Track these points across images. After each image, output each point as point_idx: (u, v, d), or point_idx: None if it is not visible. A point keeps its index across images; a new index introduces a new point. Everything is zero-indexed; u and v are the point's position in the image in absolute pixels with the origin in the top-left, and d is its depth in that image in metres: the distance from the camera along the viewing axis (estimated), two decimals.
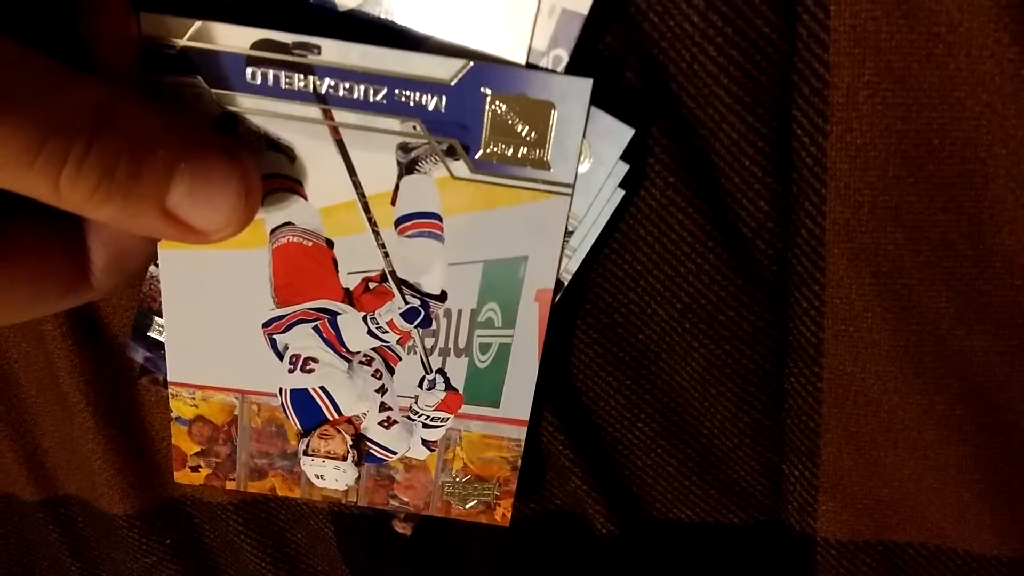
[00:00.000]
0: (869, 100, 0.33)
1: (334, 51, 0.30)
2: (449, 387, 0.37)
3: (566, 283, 0.37)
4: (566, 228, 0.35)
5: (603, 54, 0.34)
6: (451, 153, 0.32)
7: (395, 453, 0.39)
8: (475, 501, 0.40)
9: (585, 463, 0.42)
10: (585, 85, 0.30)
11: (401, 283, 0.35)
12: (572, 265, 0.37)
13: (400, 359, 0.37)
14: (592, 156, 0.34)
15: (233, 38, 0.30)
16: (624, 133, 0.34)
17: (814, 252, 0.36)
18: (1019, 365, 0.37)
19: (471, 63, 0.30)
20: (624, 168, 0.34)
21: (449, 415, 0.38)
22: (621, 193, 0.35)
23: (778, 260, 0.37)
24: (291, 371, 0.37)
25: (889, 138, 0.34)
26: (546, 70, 0.31)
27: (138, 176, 0.25)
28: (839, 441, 0.40)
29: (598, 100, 0.33)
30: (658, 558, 0.45)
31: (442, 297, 0.35)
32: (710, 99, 0.34)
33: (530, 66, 0.32)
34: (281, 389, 0.38)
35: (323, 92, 0.31)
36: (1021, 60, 0.31)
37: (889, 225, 0.35)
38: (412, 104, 0.31)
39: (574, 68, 0.32)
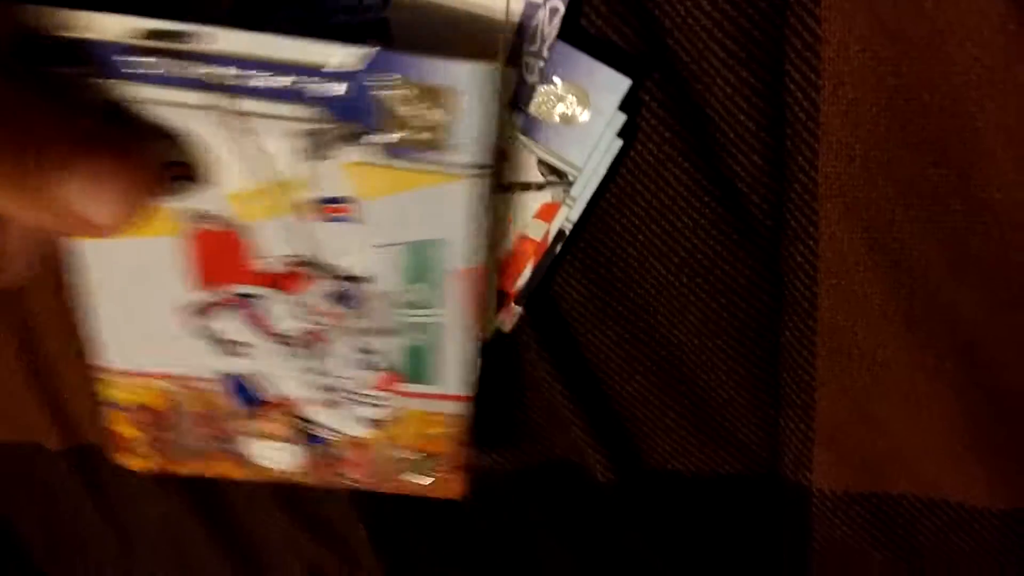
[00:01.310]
0: (860, 55, 0.34)
1: (231, 40, 0.30)
2: (387, 366, 0.38)
3: (567, 232, 0.38)
4: (564, 175, 0.36)
5: (600, 8, 0.35)
6: (357, 138, 0.32)
7: (339, 433, 0.40)
8: (425, 477, 0.41)
9: (585, 414, 0.44)
10: (491, 72, 0.30)
11: (324, 266, 0.35)
12: (573, 215, 0.38)
13: (334, 341, 0.38)
14: (591, 107, 0.35)
15: (123, 28, 0.29)
16: (621, 84, 0.35)
17: (807, 206, 0.37)
18: (1008, 319, 0.38)
19: (377, 49, 0.30)
20: (622, 118, 0.36)
21: (390, 394, 0.39)
22: (619, 143, 0.36)
23: (773, 215, 0.38)
24: (225, 355, 0.38)
25: (880, 92, 0.34)
26: (452, 58, 0.31)
27: (29, 171, 0.25)
28: (833, 394, 0.41)
29: (596, 53, 0.34)
30: (656, 508, 0.46)
31: (367, 279, 0.36)
32: (704, 54, 0.35)
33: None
34: (217, 373, 0.38)
35: (223, 80, 0.30)
36: (1009, 13, 0.32)
37: (880, 180, 0.36)
38: (318, 91, 0.31)
39: (570, 21, 0.33)
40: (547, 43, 0.35)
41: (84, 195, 0.26)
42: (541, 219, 0.38)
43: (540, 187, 0.38)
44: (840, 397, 0.41)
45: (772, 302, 0.40)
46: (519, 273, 0.40)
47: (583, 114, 0.36)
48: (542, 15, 0.33)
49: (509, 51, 0.34)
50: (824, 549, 0.46)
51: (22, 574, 0.61)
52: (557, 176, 0.37)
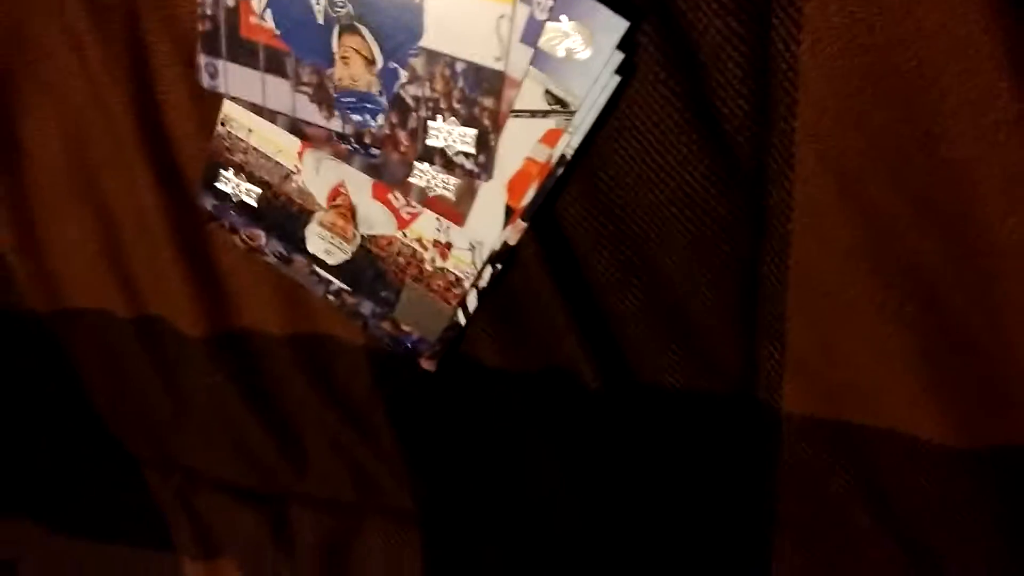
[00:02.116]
0: (839, 13, 0.37)
1: None
2: None
3: (568, 158, 0.43)
4: (567, 105, 0.40)
5: None
6: None
7: None
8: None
9: (580, 326, 0.49)
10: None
11: None
12: (574, 141, 0.43)
13: None
14: (592, 44, 0.40)
15: None
16: (619, 25, 0.39)
17: (786, 151, 0.41)
18: (965, 271, 0.41)
19: None
20: (620, 56, 0.40)
21: None
22: (617, 79, 0.41)
23: (755, 156, 0.42)
24: None
25: (855, 51, 0.38)
26: None
27: None
28: (803, 326, 0.45)
29: None
30: (640, 418, 0.51)
31: None
32: (699, 3, 0.39)
33: None
34: None
35: None
36: None
37: (852, 131, 0.39)
38: None
39: None
40: None
41: None
42: (545, 143, 0.43)
43: (545, 114, 0.42)
44: (809, 330, 0.45)
45: (751, 237, 0.44)
46: (525, 191, 0.44)
47: (585, 51, 0.40)
48: None
49: None
50: (790, 467, 0.50)
51: (92, 433, 0.69)
52: (561, 105, 0.42)
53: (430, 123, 0.44)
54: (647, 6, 0.40)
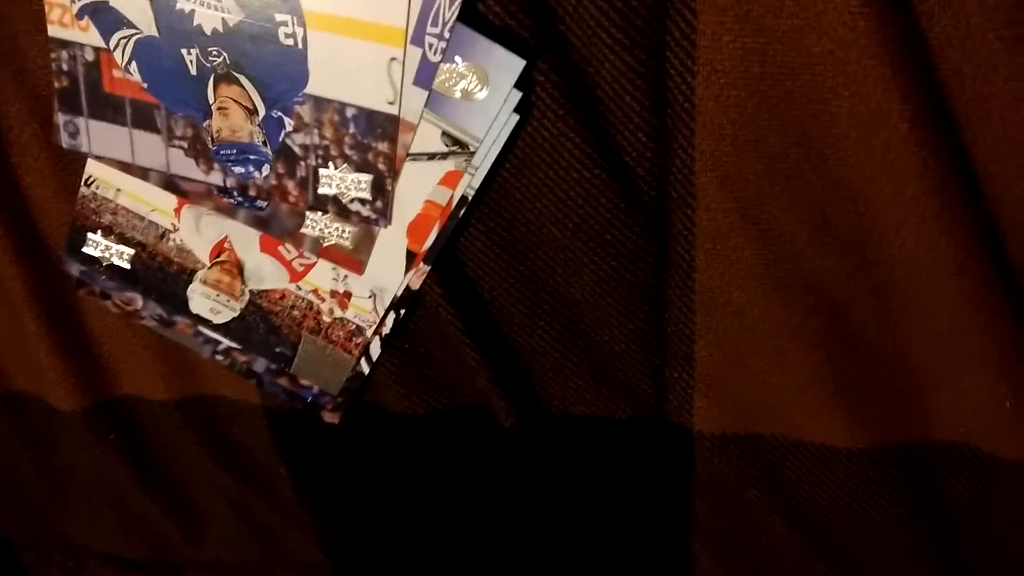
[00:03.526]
0: (731, 44, 0.37)
1: None
2: None
3: (470, 198, 0.42)
4: (466, 146, 0.39)
5: None
6: None
7: None
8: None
9: (490, 364, 0.47)
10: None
11: None
12: (475, 182, 0.42)
13: None
14: (489, 84, 0.39)
15: None
16: (516, 64, 0.38)
17: (686, 179, 0.41)
18: (862, 281, 0.43)
19: None
20: (517, 95, 0.39)
21: None
22: (516, 118, 0.40)
23: (656, 186, 0.42)
24: None
25: (748, 79, 0.38)
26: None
27: None
28: (710, 346, 0.46)
29: (494, 35, 0.37)
30: (555, 450, 0.51)
31: None
32: (593, 39, 0.38)
33: None
34: None
35: None
36: (860, 12, 0.36)
37: (749, 156, 0.40)
38: None
39: (469, 6, 0.37)
40: (448, 25, 0.37)
41: None
42: (445, 185, 0.42)
43: (444, 156, 0.41)
44: (716, 349, 0.46)
45: (657, 264, 0.44)
46: (426, 235, 0.43)
47: (482, 91, 0.39)
48: (441, 4, 0.36)
49: (412, 33, 0.37)
50: (706, 486, 0.51)
51: None
52: (459, 147, 0.40)
53: (321, 171, 0.42)
54: (541, 43, 0.39)
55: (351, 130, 0.40)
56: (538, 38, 0.39)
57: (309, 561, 0.59)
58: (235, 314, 0.48)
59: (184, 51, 0.39)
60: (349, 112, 0.40)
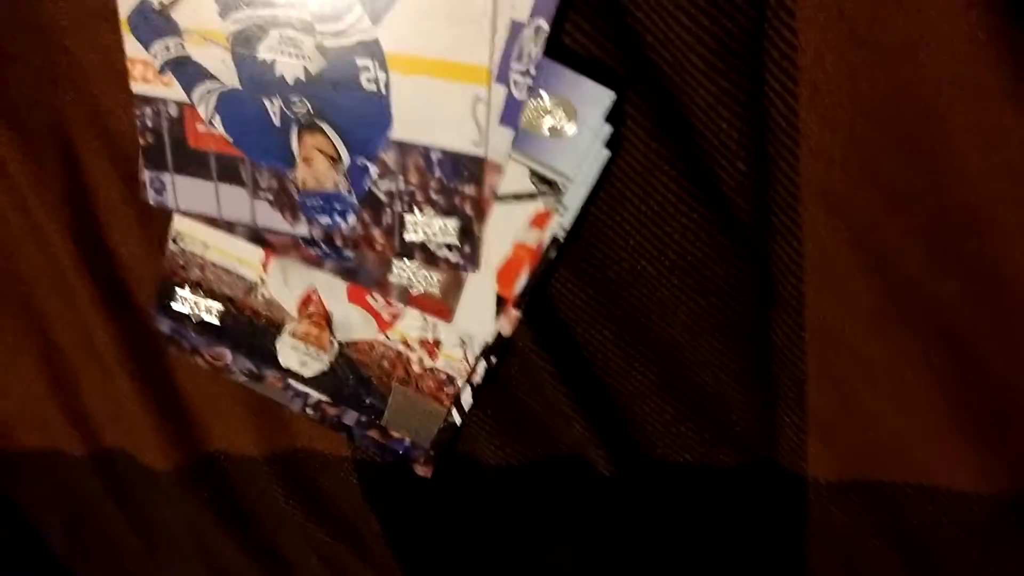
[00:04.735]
0: (835, 63, 0.35)
1: None
2: None
3: (561, 239, 0.40)
4: (557, 185, 0.38)
5: (582, 26, 0.36)
6: None
7: None
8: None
9: (585, 411, 0.45)
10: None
11: None
12: (565, 222, 0.40)
13: None
14: (578, 119, 0.37)
15: None
16: (605, 97, 0.36)
17: (791, 208, 0.39)
18: (990, 313, 0.39)
19: None
20: (608, 129, 0.37)
21: None
22: (606, 153, 0.38)
23: (758, 217, 0.40)
24: None
25: (855, 98, 0.36)
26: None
27: None
28: (824, 388, 0.43)
29: (580, 67, 0.36)
30: (657, 499, 0.48)
31: None
32: (685, 65, 0.36)
33: None
34: None
35: None
36: (979, 23, 0.33)
37: (860, 181, 0.37)
38: None
39: (554, 37, 0.35)
40: (534, 61, 0.36)
41: None
42: (535, 226, 0.40)
43: (533, 196, 0.39)
44: (830, 390, 0.43)
45: (760, 300, 0.42)
46: (516, 278, 0.41)
47: (570, 127, 0.37)
48: (527, 34, 0.35)
49: (496, 71, 0.36)
50: (820, 535, 0.48)
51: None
52: (548, 186, 0.39)
53: (407, 217, 0.40)
54: (630, 73, 0.37)
55: (436, 174, 0.39)
56: (627, 67, 0.37)
57: None
58: (324, 367, 0.47)
59: (267, 101, 0.39)
60: (434, 156, 0.39)
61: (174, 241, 0.45)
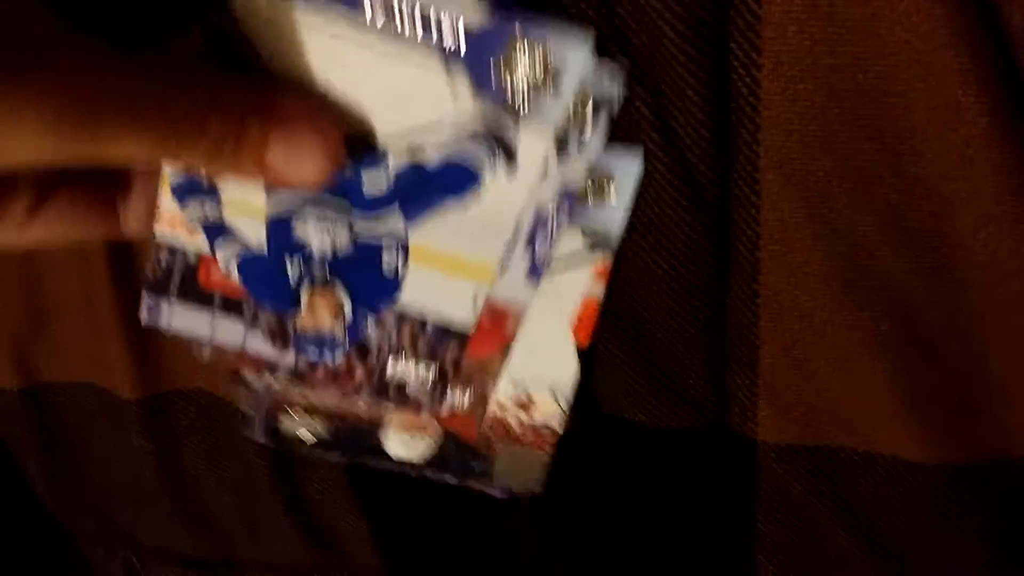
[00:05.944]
0: (798, 35, 0.36)
1: None
2: None
3: None
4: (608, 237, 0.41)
5: None
6: None
7: None
8: None
9: None
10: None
11: None
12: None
13: None
14: (617, 193, 0.40)
15: None
16: (634, 164, 0.40)
17: (750, 177, 0.40)
18: (938, 286, 0.40)
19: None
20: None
21: None
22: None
23: (719, 184, 0.41)
24: None
25: (817, 71, 0.37)
26: None
27: (239, 149, 0.31)
28: (776, 352, 0.44)
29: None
30: (611, 455, 0.50)
31: None
32: (656, 31, 0.37)
33: None
34: None
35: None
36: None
37: (818, 152, 0.38)
38: None
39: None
40: (556, 233, 0.39)
41: (286, 162, 0.31)
42: (600, 279, 0.42)
43: (592, 249, 0.41)
44: (782, 355, 0.44)
45: (719, 265, 0.43)
46: (592, 328, 0.44)
47: (612, 197, 0.40)
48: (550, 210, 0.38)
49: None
50: (770, 499, 0.49)
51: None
52: (599, 239, 0.41)
53: (390, 359, 0.41)
54: (605, 36, 0.38)
55: (428, 334, 0.40)
56: (602, 30, 0.38)
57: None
58: (430, 447, 0.48)
59: (288, 263, 0.39)
60: (429, 327, 0.40)
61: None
